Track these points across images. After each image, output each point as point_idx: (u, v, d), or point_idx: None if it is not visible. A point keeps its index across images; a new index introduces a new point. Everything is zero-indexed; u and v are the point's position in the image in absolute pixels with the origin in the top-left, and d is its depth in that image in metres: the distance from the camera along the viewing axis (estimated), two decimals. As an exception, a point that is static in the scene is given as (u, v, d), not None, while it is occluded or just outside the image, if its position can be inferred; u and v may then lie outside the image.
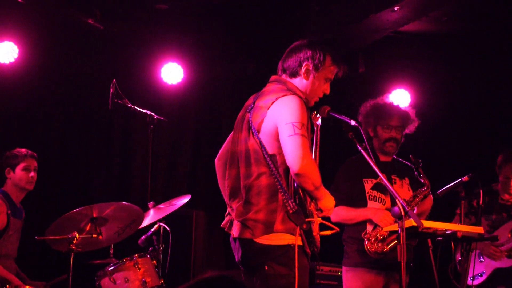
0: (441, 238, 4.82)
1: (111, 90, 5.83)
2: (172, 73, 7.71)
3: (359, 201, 5.07)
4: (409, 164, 5.24)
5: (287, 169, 3.69)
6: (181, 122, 7.98)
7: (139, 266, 5.23)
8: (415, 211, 4.93)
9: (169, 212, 5.50)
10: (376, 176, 4.99)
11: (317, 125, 3.97)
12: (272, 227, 3.68)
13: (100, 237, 5.08)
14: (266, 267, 3.69)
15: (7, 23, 6.93)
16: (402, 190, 5.09)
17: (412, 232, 4.31)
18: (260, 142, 3.75)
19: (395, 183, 5.10)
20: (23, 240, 5.78)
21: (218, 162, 4.13)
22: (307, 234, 3.72)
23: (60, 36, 7.24)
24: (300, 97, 3.78)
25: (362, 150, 3.87)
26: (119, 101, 5.90)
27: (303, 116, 3.68)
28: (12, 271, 5.53)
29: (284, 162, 3.68)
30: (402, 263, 3.68)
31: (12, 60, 6.97)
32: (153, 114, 6.07)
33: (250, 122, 3.82)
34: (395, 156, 5.31)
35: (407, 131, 5.29)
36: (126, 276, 5.19)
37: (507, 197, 6.08)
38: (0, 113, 7.09)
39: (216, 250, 7.50)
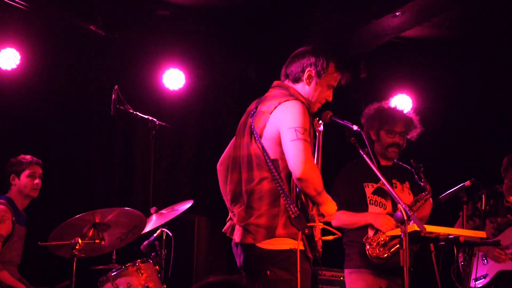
0: (443, 243, 4.82)
1: (113, 96, 5.83)
2: (173, 79, 7.72)
3: (360, 205, 5.06)
4: (409, 168, 5.24)
5: (289, 174, 3.70)
6: (183, 127, 7.98)
7: (142, 272, 5.23)
8: None
9: (171, 218, 5.50)
10: (376, 180, 5.00)
11: (319, 131, 3.97)
12: (274, 232, 3.68)
13: (103, 243, 5.07)
14: (268, 272, 3.69)
15: (9, 30, 6.94)
16: (402, 195, 5.08)
17: (415, 237, 4.31)
18: (262, 147, 3.75)
19: (395, 187, 5.10)
20: (26, 246, 5.78)
21: (220, 167, 4.13)
22: (309, 239, 3.73)
23: (62, 42, 7.26)
24: (302, 102, 3.79)
25: (364, 155, 3.88)
26: (121, 107, 5.90)
27: (305, 121, 3.68)
28: (16, 277, 5.53)
29: (286, 167, 3.69)
30: (405, 268, 3.68)
31: (14, 66, 6.99)
32: (155, 119, 6.07)
33: (253, 127, 3.83)
34: (395, 160, 5.31)
35: (409, 137, 5.29)
36: (129, 282, 5.18)
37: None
38: (2, 119, 7.10)
39: (218, 255, 7.49)
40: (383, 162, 5.22)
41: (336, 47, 6.95)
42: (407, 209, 3.73)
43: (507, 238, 5.84)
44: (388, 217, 4.86)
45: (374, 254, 4.86)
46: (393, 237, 4.75)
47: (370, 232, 4.95)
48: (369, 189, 5.09)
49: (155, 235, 5.59)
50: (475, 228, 5.86)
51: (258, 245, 3.70)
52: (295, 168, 3.60)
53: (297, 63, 3.95)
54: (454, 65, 7.94)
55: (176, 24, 7.40)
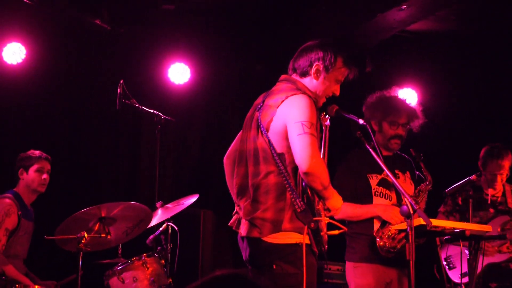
0: (449, 237, 4.82)
1: (118, 90, 5.84)
2: (179, 73, 7.72)
3: (365, 197, 4.92)
4: (407, 157, 5.17)
5: (295, 168, 3.70)
6: (189, 121, 7.99)
7: (148, 266, 5.24)
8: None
9: (177, 212, 5.50)
10: (380, 171, 4.91)
11: (326, 126, 3.96)
12: (280, 226, 3.69)
13: (109, 237, 5.09)
14: (274, 266, 3.70)
15: (14, 24, 6.95)
16: (405, 185, 4.95)
17: (421, 231, 4.30)
18: (269, 140, 3.75)
19: (398, 177, 4.95)
20: (32, 240, 5.80)
21: (226, 160, 4.14)
22: (315, 233, 3.73)
23: (67, 36, 7.27)
24: (309, 96, 3.79)
25: (370, 149, 3.86)
26: (127, 101, 5.90)
27: (312, 115, 3.68)
28: (21, 272, 5.55)
29: (292, 161, 3.68)
30: (411, 262, 3.65)
31: (19, 60, 7.00)
32: (160, 114, 6.08)
33: (259, 120, 3.83)
34: None
35: (411, 127, 5.18)
36: (135, 276, 5.20)
37: (492, 192, 6.01)
38: (8, 114, 7.11)
39: (223, 249, 7.50)
40: (385, 153, 5.05)
41: (343, 40, 6.93)
42: (413, 202, 3.72)
43: (491, 231, 5.80)
44: (397, 208, 4.67)
45: (385, 248, 4.74)
46: (400, 231, 4.70)
47: (376, 225, 4.85)
48: (373, 180, 4.95)
49: (160, 229, 5.60)
50: None
51: (264, 239, 3.70)
52: (302, 162, 3.59)
53: (305, 57, 3.94)
54: (460, 59, 7.91)
55: (181, 18, 7.39)
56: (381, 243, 4.76)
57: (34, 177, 5.74)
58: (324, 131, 3.94)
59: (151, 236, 5.64)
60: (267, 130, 3.77)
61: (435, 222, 4.35)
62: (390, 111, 5.05)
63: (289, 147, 3.69)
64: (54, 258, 6.61)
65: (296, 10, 7.27)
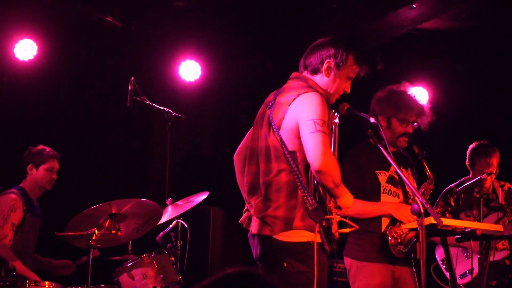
0: (459, 236, 4.79)
1: (129, 87, 5.84)
2: (190, 70, 7.74)
3: (373, 194, 4.82)
4: (405, 153, 5.11)
5: (307, 166, 3.69)
6: (199, 119, 8.00)
7: (157, 263, 5.25)
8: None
9: (187, 209, 5.51)
10: (387, 167, 4.84)
11: (335, 123, 3.95)
12: (291, 224, 3.67)
13: (119, 233, 5.08)
14: (285, 264, 3.68)
15: (26, 21, 6.98)
16: (410, 182, 4.91)
17: (431, 230, 4.28)
18: (281, 138, 3.74)
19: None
20: (42, 236, 5.81)
21: (236, 158, 4.13)
22: (326, 231, 3.71)
23: (78, 33, 7.29)
24: (321, 94, 3.78)
25: (381, 148, 3.85)
26: (137, 99, 5.91)
27: (324, 113, 3.67)
28: (29, 267, 5.56)
29: (304, 159, 3.67)
30: (422, 261, 3.64)
31: (31, 57, 7.03)
32: (171, 111, 6.08)
33: (271, 118, 3.82)
34: None
35: (419, 124, 5.09)
36: (144, 272, 5.21)
37: (483, 191, 5.97)
38: (19, 110, 7.14)
39: (233, 246, 7.50)
40: (390, 149, 4.95)
41: (354, 37, 6.91)
42: (423, 201, 3.70)
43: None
44: (409, 207, 4.54)
45: (397, 248, 4.69)
46: (411, 230, 4.66)
47: (384, 223, 4.76)
48: (382, 177, 4.86)
49: (170, 226, 5.61)
50: None
51: (275, 237, 3.69)
52: (314, 160, 3.58)
53: (316, 54, 3.93)
54: (472, 58, 7.87)
55: (192, 15, 7.39)
56: (393, 241, 4.70)
57: (44, 175, 5.77)
58: (333, 129, 3.92)
59: (161, 233, 5.65)
60: (279, 128, 3.76)
61: (446, 221, 4.32)
62: (402, 108, 4.94)
63: (300, 145, 3.67)
64: (64, 254, 6.62)
65: (307, 8, 7.26)
